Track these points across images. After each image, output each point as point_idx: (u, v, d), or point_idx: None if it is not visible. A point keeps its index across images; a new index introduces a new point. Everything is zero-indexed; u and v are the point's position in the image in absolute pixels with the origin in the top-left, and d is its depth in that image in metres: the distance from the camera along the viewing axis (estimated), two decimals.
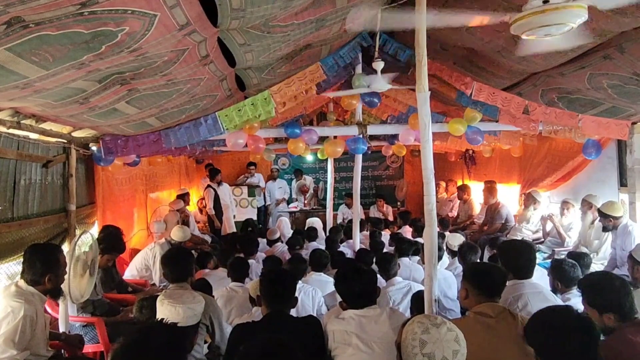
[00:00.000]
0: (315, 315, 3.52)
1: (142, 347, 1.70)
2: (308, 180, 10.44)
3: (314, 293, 3.82)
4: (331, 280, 4.42)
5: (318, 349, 2.65)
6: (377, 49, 4.30)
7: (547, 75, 4.04)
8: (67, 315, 3.62)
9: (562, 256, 4.44)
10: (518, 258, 3.03)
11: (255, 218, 9.34)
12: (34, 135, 3.37)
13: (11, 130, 3.02)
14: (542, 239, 6.20)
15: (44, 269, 2.78)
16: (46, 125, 3.37)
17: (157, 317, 2.37)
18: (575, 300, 3.11)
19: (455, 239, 4.95)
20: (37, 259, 2.79)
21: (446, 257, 4.99)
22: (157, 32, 2.08)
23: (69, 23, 1.71)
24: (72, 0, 1.55)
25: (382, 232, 6.98)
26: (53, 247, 3.13)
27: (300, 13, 2.76)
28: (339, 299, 3.83)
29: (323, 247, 6.13)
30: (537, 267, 3.17)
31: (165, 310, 2.34)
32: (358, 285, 2.70)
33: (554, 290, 3.40)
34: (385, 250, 5.42)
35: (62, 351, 3.32)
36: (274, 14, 2.55)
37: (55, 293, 2.90)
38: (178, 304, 2.35)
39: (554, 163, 6.36)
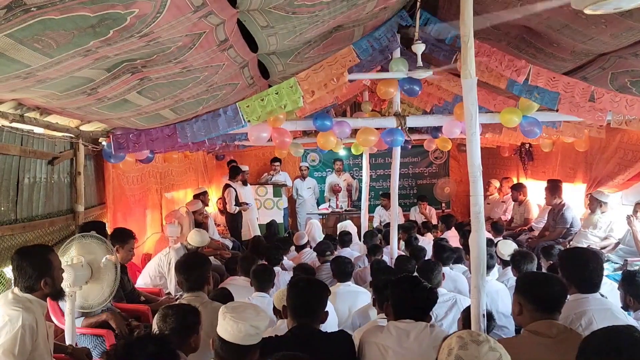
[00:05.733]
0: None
1: None
2: (348, 177, 10.39)
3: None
4: (362, 290, 4.43)
5: None
6: (417, 30, 4.24)
7: (617, 57, 3.91)
8: (74, 326, 3.69)
9: (637, 267, 4.29)
10: (582, 268, 2.93)
11: (281, 220, 9.36)
12: (38, 130, 3.46)
13: (14, 124, 3.09)
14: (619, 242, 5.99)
15: (37, 274, 2.79)
16: (51, 119, 3.45)
17: (217, 330, 2.38)
18: None
19: (507, 247, 4.86)
20: (26, 264, 2.79)
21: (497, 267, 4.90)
22: (169, 15, 2.11)
23: (74, 6, 1.75)
24: None
25: (422, 237, 6.90)
26: (42, 248, 3.09)
27: None
28: (373, 316, 3.82)
29: (358, 253, 6.12)
30: (605, 279, 3.08)
31: (226, 325, 2.32)
32: (417, 300, 2.73)
33: (626, 307, 3.30)
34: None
35: None
36: None
37: (56, 295, 2.94)
38: (241, 321, 2.32)
39: (627, 159, 6.15)
